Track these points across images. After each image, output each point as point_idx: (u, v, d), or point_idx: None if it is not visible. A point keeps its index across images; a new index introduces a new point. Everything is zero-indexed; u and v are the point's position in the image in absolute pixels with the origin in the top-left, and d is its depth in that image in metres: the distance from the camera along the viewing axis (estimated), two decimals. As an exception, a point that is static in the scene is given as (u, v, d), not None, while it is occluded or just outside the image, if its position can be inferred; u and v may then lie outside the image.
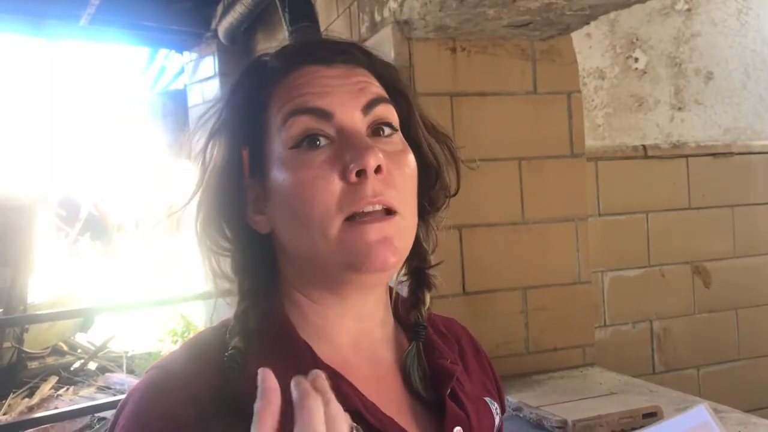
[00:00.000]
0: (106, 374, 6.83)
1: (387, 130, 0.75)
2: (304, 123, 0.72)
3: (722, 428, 0.84)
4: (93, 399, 5.48)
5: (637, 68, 2.98)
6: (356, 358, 0.77)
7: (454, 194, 0.84)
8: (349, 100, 0.74)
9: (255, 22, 4.06)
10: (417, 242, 0.81)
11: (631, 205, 2.91)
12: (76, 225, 10.92)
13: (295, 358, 0.73)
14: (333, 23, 2.84)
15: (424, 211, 0.81)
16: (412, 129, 0.80)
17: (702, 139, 3.07)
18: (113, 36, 4.63)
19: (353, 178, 0.69)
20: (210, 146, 0.77)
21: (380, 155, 0.70)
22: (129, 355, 7.47)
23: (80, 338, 7.70)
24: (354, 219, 0.70)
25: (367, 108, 0.74)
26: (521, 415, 1.87)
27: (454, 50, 2.38)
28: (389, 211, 0.71)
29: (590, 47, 2.90)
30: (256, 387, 0.67)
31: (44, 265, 8.43)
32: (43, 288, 7.82)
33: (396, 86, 0.80)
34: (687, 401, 1.99)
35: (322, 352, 0.75)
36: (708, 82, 3.11)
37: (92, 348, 7.51)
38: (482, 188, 2.39)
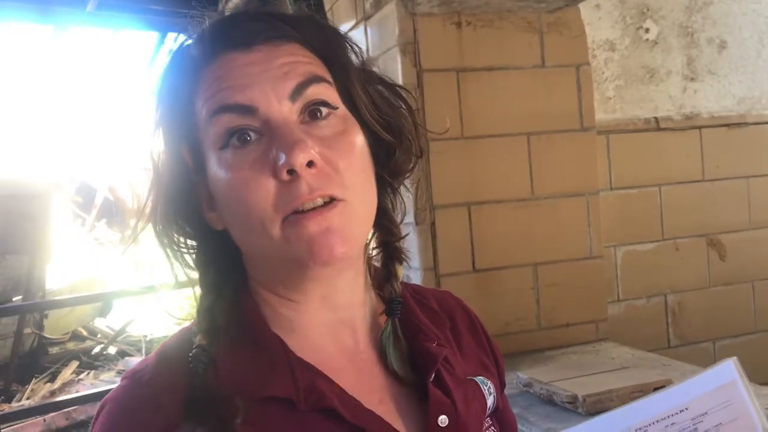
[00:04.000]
0: (126, 358, 6.91)
1: (324, 111, 0.70)
2: (226, 122, 0.68)
3: (749, 389, 0.79)
4: (113, 383, 5.54)
5: (648, 39, 2.93)
6: (334, 348, 0.74)
7: (420, 156, 0.79)
8: (274, 89, 0.68)
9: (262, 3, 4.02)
10: (385, 215, 0.78)
11: (643, 178, 2.87)
12: (92, 211, 10.99)
13: (267, 353, 0.70)
14: (338, 1, 2.81)
15: (386, 183, 0.77)
16: (353, 101, 0.74)
17: (715, 109, 3.02)
18: (121, 21, 4.63)
19: (285, 176, 0.65)
20: (154, 143, 0.74)
21: (310, 149, 0.65)
22: (148, 339, 7.54)
23: (99, 323, 7.78)
24: (294, 214, 0.66)
25: (295, 93, 0.69)
26: (532, 390, 1.86)
27: (459, 25, 2.34)
28: (333, 199, 0.67)
29: (599, 18, 2.85)
30: (225, 384, 0.66)
31: (62, 251, 8.51)
32: (62, 274, 7.90)
33: (332, 54, 0.74)
34: (699, 373, 1.97)
35: (296, 344, 0.71)
36: (721, 51, 3.05)
37: (111, 333, 7.59)
38: (491, 164, 2.36)
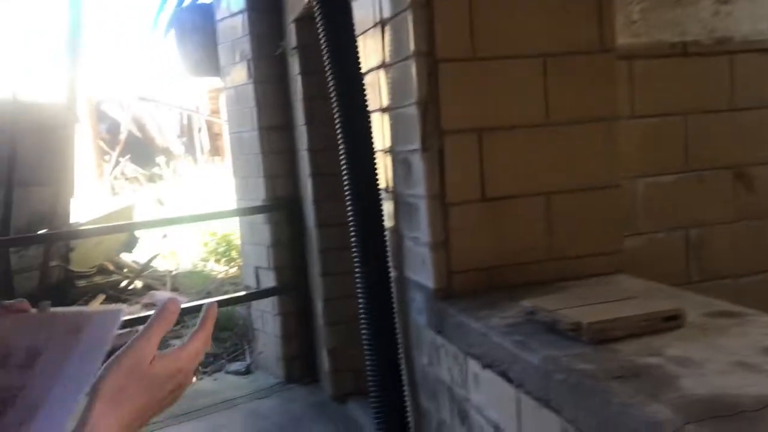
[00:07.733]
0: (152, 292, 7.01)
1: None
2: None
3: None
4: (140, 316, 5.62)
5: (679, -43, 2.75)
6: None
7: None
8: None
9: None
10: None
11: (668, 106, 2.73)
12: (116, 147, 11.04)
13: None
14: None
15: None
16: None
17: (749, 33, 2.84)
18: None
19: None
20: None
21: None
22: (173, 273, 7.63)
23: (125, 258, 7.88)
24: None
25: None
26: (535, 318, 1.79)
27: (472, -63, 2.20)
28: None
29: (627, -66, 2.67)
30: None
31: (86, 186, 8.59)
32: (86, 210, 7.98)
33: None
34: (714, 305, 1.89)
35: None
36: (758, -29, 2.85)
37: (138, 267, 7.69)
38: (503, 88, 2.25)
